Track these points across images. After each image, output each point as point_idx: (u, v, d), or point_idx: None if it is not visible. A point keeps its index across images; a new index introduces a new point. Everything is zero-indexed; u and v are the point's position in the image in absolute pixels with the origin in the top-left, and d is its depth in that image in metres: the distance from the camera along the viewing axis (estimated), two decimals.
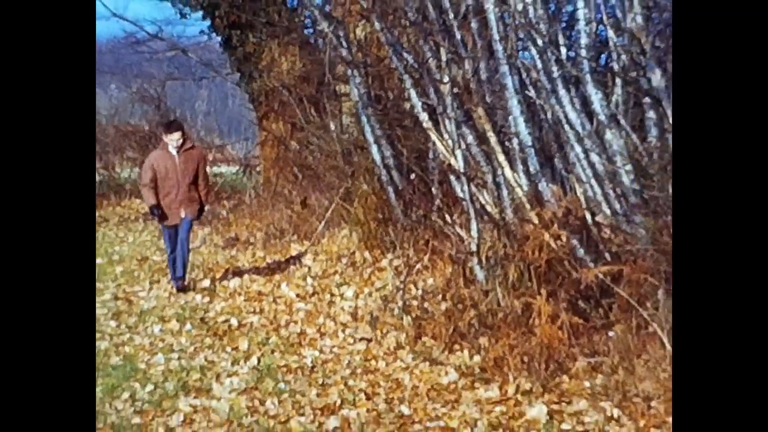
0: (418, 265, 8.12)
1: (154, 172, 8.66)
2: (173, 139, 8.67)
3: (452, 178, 7.41)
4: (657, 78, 5.57)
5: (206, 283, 9.17)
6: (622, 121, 6.02)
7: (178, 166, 8.61)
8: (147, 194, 8.79)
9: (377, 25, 8.13)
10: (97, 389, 5.76)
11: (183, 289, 8.79)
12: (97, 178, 19.46)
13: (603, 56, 6.65)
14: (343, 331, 7.10)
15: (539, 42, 6.20)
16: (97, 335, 7.21)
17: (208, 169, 13.33)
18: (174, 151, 8.64)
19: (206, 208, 9.45)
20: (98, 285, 9.40)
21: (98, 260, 11.05)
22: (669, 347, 5.04)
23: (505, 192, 6.87)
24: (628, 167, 5.94)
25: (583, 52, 6.12)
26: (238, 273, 9.68)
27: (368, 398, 5.48)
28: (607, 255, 6.01)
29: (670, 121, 5.29)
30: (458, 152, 7.08)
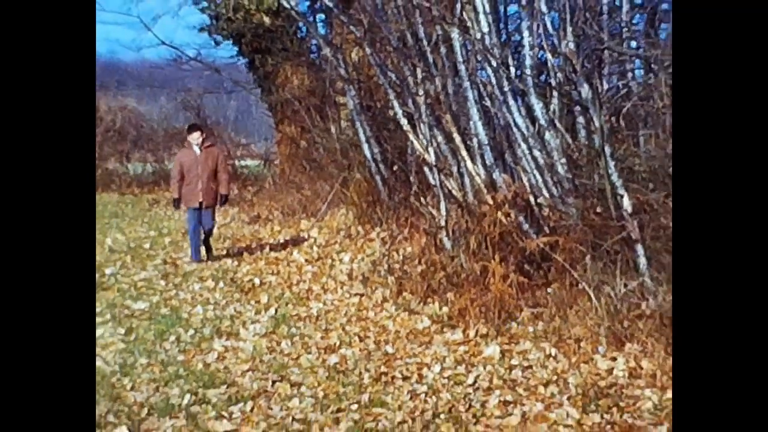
0: (400, 237, 8.08)
1: (181, 167, 8.46)
2: (194, 138, 8.47)
3: (426, 169, 7.34)
4: (585, 91, 5.50)
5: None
6: (558, 125, 5.95)
7: (199, 161, 8.38)
8: (174, 187, 8.63)
9: (368, 50, 8.04)
10: (149, 333, 5.70)
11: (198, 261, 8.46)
12: (150, 169, 19.33)
13: (543, 74, 6.56)
14: (341, 288, 7.02)
15: (493, 63, 6.11)
16: (150, 291, 7.13)
17: (236, 162, 13.04)
18: (197, 149, 8.43)
19: (230, 194, 9.24)
20: (150, 252, 9.30)
21: (151, 233, 10.96)
22: (595, 301, 4.99)
23: (467, 180, 6.80)
24: (563, 161, 5.88)
25: (528, 71, 6.03)
26: (260, 243, 9.57)
27: (361, 340, 5.42)
28: (546, 228, 5.95)
29: (596, 124, 5.20)
30: (431, 149, 7.00)
